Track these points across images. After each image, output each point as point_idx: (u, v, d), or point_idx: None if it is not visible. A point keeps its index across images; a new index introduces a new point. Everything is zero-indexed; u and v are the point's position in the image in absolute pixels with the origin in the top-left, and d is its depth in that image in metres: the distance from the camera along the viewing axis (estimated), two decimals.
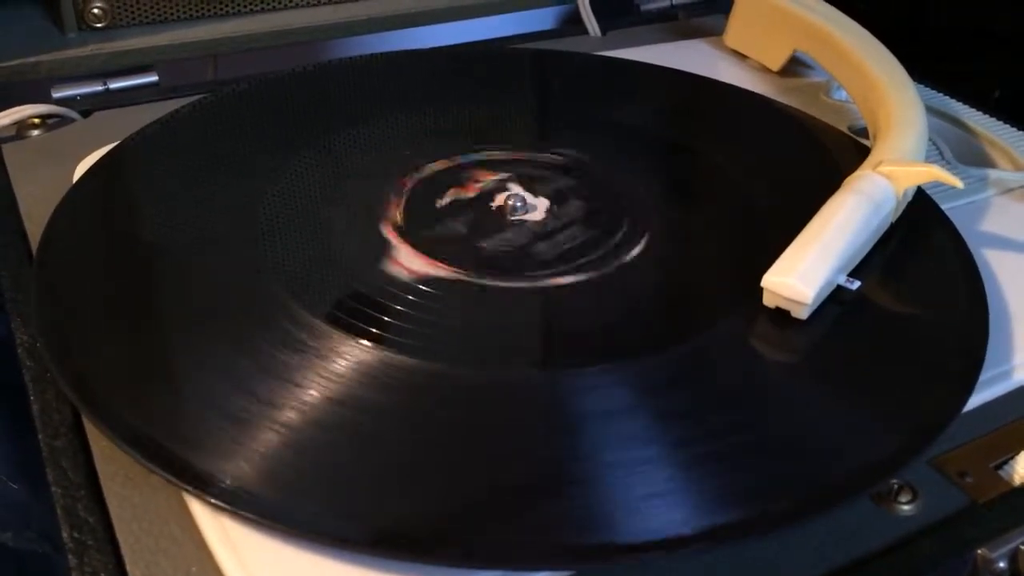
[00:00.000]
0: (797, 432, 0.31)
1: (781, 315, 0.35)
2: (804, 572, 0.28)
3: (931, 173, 0.39)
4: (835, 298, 0.36)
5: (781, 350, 0.35)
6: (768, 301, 0.35)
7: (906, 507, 0.30)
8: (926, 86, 0.55)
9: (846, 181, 0.39)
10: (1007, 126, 0.52)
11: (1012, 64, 0.70)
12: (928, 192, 0.43)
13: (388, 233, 0.39)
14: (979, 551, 0.29)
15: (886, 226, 0.39)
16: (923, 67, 0.53)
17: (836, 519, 0.29)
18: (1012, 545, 0.29)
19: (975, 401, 0.34)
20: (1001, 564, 0.29)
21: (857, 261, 0.37)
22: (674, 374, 0.33)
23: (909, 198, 0.40)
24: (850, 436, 0.31)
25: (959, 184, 0.39)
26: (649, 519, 0.28)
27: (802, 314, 0.34)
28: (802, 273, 0.34)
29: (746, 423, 0.31)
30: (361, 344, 0.33)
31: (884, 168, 0.39)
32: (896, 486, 0.30)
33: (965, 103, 0.54)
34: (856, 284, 0.35)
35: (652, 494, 0.28)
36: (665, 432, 0.31)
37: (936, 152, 0.49)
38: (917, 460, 0.30)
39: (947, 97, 0.55)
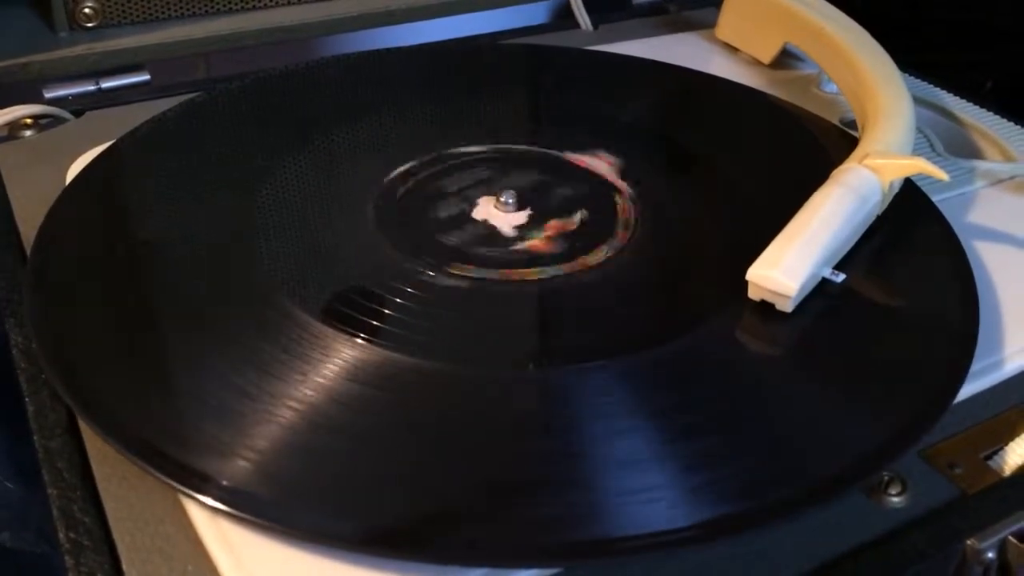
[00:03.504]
0: (785, 425, 0.31)
1: (767, 308, 0.35)
2: (795, 565, 0.28)
3: (916, 166, 0.39)
4: (821, 291, 0.36)
5: (766, 343, 0.35)
6: (753, 294, 0.35)
7: (896, 499, 0.30)
8: (916, 76, 0.55)
9: (832, 174, 0.39)
10: (997, 117, 0.52)
11: (1005, 55, 0.70)
12: (918, 184, 0.43)
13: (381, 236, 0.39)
14: (968, 542, 0.29)
15: (872, 219, 0.39)
16: (916, 58, 0.53)
17: (826, 512, 0.29)
18: (1000, 536, 0.29)
19: (965, 392, 0.34)
20: (989, 555, 0.29)
21: (843, 254, 0.37)
22: (660, 370, 0.33)
23: (896, 190, 0.40)
24: (839, 429, 0.31)
25: (944, 177, 0.39)
26: (641, 514, 0.28)
27: (787, 307, 0.35)
28: (786, 266, 0.35)
29: (734, 417, 0.31)
30: (355, 343, 0.33)
31: (870, 161, 0.39)
32: (886, 478, 0.31)
33: (956, 94, 0.55)
34: (841, 277, 0.36)
35: (643, 489, 0.28)
36: (653, 428, 0.31)
37: (926, 143, 0.49)
38: (907, 452, 0.31)
39: (937, 88, 0.55)
